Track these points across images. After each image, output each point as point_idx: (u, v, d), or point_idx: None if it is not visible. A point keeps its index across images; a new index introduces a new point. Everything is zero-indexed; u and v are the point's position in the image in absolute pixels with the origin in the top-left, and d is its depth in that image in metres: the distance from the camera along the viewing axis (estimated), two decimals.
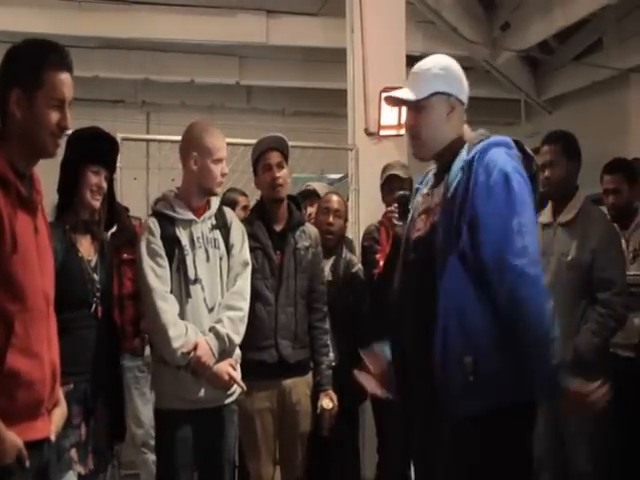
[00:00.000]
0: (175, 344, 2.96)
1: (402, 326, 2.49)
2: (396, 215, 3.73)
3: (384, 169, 4.30)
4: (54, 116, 2.00)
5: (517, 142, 2.45)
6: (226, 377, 3.04)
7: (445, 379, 2.28)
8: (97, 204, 2.91)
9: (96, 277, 2.89)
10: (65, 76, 2.03)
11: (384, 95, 2.57)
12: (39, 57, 2.02)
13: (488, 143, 2.35)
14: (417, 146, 2.50)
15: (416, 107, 2.45)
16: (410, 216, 2.60)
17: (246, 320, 3.14)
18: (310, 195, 4.51)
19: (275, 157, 3.49)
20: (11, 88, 1.97)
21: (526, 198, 2.29)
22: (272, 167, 3.47)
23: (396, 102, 2.55)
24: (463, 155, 2.37)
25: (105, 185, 2.92)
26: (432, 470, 2.41)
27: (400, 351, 2.52)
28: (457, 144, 2.43)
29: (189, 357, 2.97)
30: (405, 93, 2.47)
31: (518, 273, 2.18)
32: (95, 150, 2.91)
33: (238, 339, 3.10)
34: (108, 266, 3.02)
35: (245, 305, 3.14)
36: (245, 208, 4.42)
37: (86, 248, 2.92)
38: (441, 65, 2.48)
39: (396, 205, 3.75)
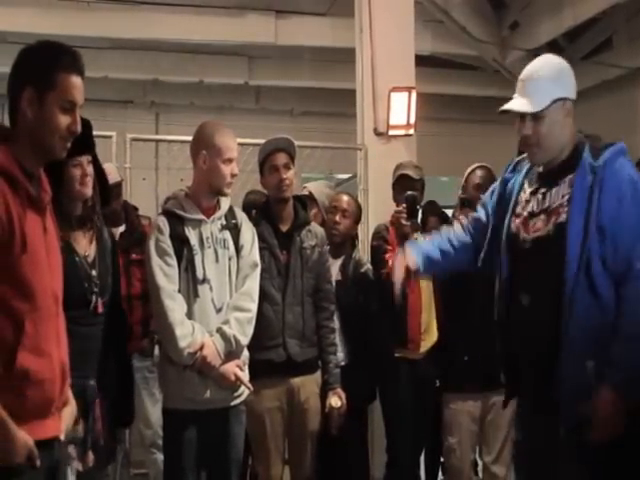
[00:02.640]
0: (182, 343, 2.96)
1: (509, 324, 2.52)
2: (404, 215, 3.73)
3: (396, 168, 4.29)
4: (64, 119, 2.01)
5: None
6: (233, 378, 3.05)
7: (567, 382, 2.32)
8: (89, 190, 2.83)
9: (94, 273, 2.83)
10: (77, 80, 2.03)
11: (501, 108, 2.51)
12: (52, 59, 2.02)
13: (617, 151, 2.38)
14: (535, 154, 2.49)
15: (534, 117, 2.42)
16: (510, 210, 2.57)
17: (254, 321, 3.14)
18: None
19: (282, 158, 3.49)
20: (24, 87, 1.98)
21: None
22: (279, 168, 3.48)
23: (512, 113, 2.49)
24: (588, 158, 2.37)
25: (90, 169, 2.83)
26: (540, 469, 2.46)
27: (507, 348, 2.56)
28: (572, 143, 2.44)
29: (195, 357, 2.97)
30: (523, 105, 2.43)
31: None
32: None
33: (245, 340, 3.10)
34: (111, 253, 2.95)
35: (253, 306, 3.15)
36: None
37: (81, 243, 2.85)
38: (555, 68, 2.47)
39: (404, 205, 3.75)
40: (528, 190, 2.53)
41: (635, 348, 2.25)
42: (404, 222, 3.73)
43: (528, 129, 2.44)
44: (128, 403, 3.09)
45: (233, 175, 3.14)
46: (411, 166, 4.28)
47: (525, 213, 2.50)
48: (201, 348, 2.97)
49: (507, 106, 2.47)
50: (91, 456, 2.81)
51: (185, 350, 2.96)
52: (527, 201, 2.51)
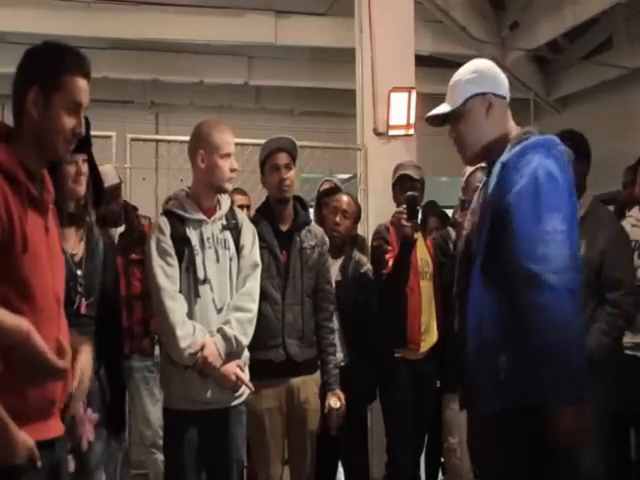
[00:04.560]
0: (182, 344, 2.96)
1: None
2: (404, 216, 3.73)
3: (396, 169, 4.29)
4: (69, 121, 2.01)
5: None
6: (233, 378, 3.05)
7: (478, 375, 2.33)
8: (82, 189, 2.81)
9: (79, 272, 2.81)
10: (83, 82, 2.03)
11: (426, 116, 2.57)
12: (59, 60, 2.02)
13: (526, 145, 2.32)
14: (463, 153, 2.51)
15: (455, 117, 2.46)
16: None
17: (255, 322, 3.14)
18: (332, 192, 4.42)
19: (283, 158, 3.49)
20: (30, 86, 1.98)
21: (558, 205, 2.25)
22: (280, 168, 3.48)
23: (436, 120, 2.53)
24: (503, 156, 2.36)
25: (85, 168, 2.83)
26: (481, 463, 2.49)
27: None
28: (502, 143, 2.41)
29: (196, 357, 2.97)
30: (441, 108, 2.49)
31: (533, 279, 2.16)
32: None
33: (246, 341, 3.10)
34: (104, 254, 2.93)
35: (254, 307, 3.14)
36: (242, 207, 4.36)
37: (70, 242, 2.82)
38: (471, 69, 2.48)
39: (405, 206, 3.75)
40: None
41: (553, 355, 2.14)
42: (405, 223, 3.73)
43: (452, 131, 2.49)
44: (118, 410, 3.06)
45: (232, 170, 3.12)
46: (411, 166, 4.28)
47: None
48: (202, 348, 2.97)
49: (429, 113, 2.53)
50: (71, 462, 2.68)
51: (186, 350, 2.96)
52: (475, 202, 2.57)
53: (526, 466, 2.24)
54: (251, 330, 3.12)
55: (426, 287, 4.06)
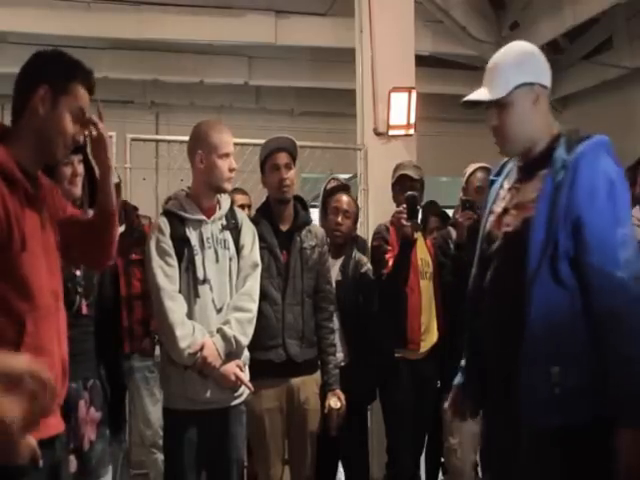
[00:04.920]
0: (182, 344, 2.96)
1: (479, 325, 2.36)
2: (404, 216, 3.73)
3: (396, 168, 4.29)
4: (72, 127, 2.03)
5: None
6: (233, 378, 3.05)
7: (528, 388, 2.14)
8: (77, 190, 2.83)
9: (78, 273, 2.82)
10: (87, 95, 2.08)
11: (463, 100, 2.35)
12: (71, 68, 2.07)
13: (594, 144, 2.21)
14: (504, 145, 2.33)
15: (498, 106, 2.27)
16: (487, 209, 2.44)
17: (254, 322, 3.13)
18: (340, 189, 4.39)
19: (283, 158, 3.49)
20: (39, 84, 2.00)
21: (628, 208, 2.20)
22: (280, 168, 3.48)
23: (473, 104, 2.35)
24: (562, 152, 2.21)
25: (80, 168, 2.84)
26: (505, 476, 2.32)
27: (477, 348, 2.39)
28: (547, 135, 2.29)
29: (195, 357, 2.97)
30: (483, 94, 2.29)
31: (619, 285, 2.06)
32: None
33: (246, 341, 3.10)
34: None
35: (254, 307, 3.14)
36: (243, 207, 4.36)
37: None
38: (517, 52, 2.30)
39: (405, 206, 3.75)
40: (506, 187, 2.41)
41: (633, 370, 2.02)
42: (405, 223, 3.73)
43: (494, 119, 2.30)
44: (118, 410, 3.06)
45: (231, 170, 3.12)
46: (411, 166, 4.28)
47: (499, 209, 2.38)
48: (201, 348, 2.97)
49: (468, 97, 2.32)
50: (73, 461, 2.74)
51: (185, 350, 2.96)
52: (503, 198, 2.39)
53: None
54: (251, 330, 3.11)
55: (426, 287, 4.06)
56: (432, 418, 4.11)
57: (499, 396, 2.29)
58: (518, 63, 2.27)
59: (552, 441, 2.13)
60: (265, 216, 3.53)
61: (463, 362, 2.53)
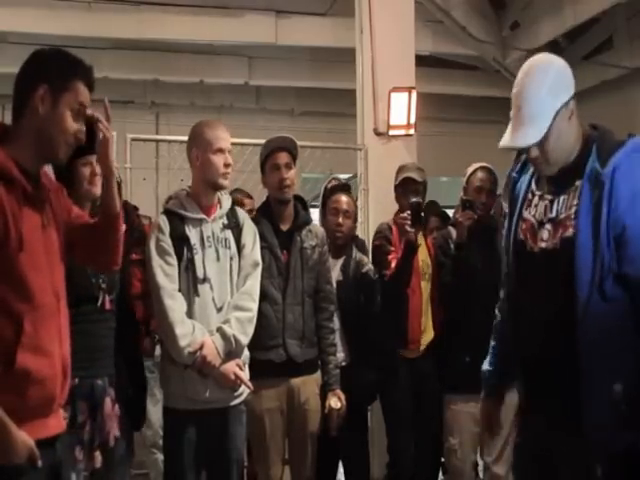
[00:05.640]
0: (182, 343, 2.96)
1: (521, 344, 2.33)
2: (409, 222, 3.74)
3: (399, 170, 4.27)
4: (74, 124, 2.02)
5: None
6: (232, 377, 3.04)
7: (593, 408, 2.10)
8: (97, 190, 2.81)
9: None
10: (87, 91, 2.07)
11: (501, 145, 2.25)
12: (72, 66, 2.07)
13: (629, 152, 2.15)
14: (546, 169, 2.27)
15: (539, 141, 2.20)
16: (517, 212, 2.38)
17: (254, 321, 3.13)
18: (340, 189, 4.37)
19: (284, 157, 3.49)
20: (39, 83, 2.00)
21: None
22: (280, 167, 3.47)
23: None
24: (595, 162, 2.15)
25: (99, 168, 2.77)
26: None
27: (522, 368, 2.37)
28: (580, 141, 2.24)
29: (195, 356, 2.97)
30: (524, 138, 2.18)
31: None
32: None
33: (245, 340, 3.10)
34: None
35: (254, 306, 3.14)
36: (250, 211, 4.35)
37: None
38: (544, 77, 2.19)
39: (409, 212, 3.76)
40: (537, 193, 2.35)
41: None
42: (409, 229, 3.74)
43: (535, 152, 2.22)
44: (139, 406, 3.07)
45: (227, 165, 3.11)
46: (414, 169, 4.26)
47: (532, 219, 2.32)
48: (201, 347, 2.97)
49: (508, 143, 2.23)
50: (99, 457, 2.80)
51: (185, 349, 2.96)
52: (535, 205, 2.33)
53: None
54: (251, 329, 3.11)
55: (426, 288, 4.07)
56: (432, 418, 4.10)
57: (554, 411, 2.25)
58: (550, 89, 2.17)
59: (628, 462, 2.09)
60: (265, 216, 3.53)
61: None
